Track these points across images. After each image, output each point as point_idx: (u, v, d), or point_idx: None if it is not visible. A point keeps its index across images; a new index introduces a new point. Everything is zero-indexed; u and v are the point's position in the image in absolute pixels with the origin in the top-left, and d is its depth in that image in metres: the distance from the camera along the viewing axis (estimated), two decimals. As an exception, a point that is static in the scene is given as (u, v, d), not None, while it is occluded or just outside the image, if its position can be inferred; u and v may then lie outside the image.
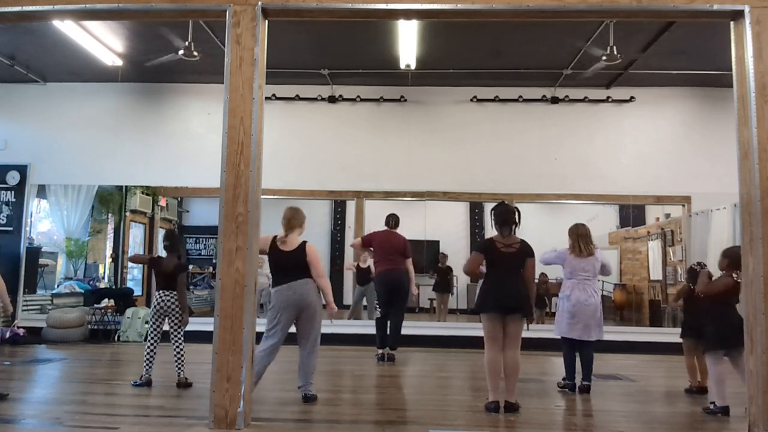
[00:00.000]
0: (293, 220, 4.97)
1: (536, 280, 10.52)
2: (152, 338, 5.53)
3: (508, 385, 4.60)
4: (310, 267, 4.88)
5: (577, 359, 5.60)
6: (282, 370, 6.74)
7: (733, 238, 8.32)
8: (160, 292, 5.52)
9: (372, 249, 7.41)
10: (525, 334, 8.46)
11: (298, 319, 4.90)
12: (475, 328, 8.07)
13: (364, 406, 4.97)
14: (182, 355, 5.51)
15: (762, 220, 3.89)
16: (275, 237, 4.94)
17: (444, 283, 10.34)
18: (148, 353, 5.50)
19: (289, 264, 4.87)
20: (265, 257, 5.01)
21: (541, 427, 4.33)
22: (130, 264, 10.56)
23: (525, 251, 4.72)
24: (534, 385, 5.82)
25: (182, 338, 5.58)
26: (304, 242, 4.94)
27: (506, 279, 4.64)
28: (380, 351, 7.22)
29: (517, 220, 4.78)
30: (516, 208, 4.85)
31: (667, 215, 10.78)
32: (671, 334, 8.75)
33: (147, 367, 5.49)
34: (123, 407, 4.69)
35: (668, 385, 6.15)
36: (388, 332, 7.27)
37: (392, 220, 7.35)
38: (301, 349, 4.96)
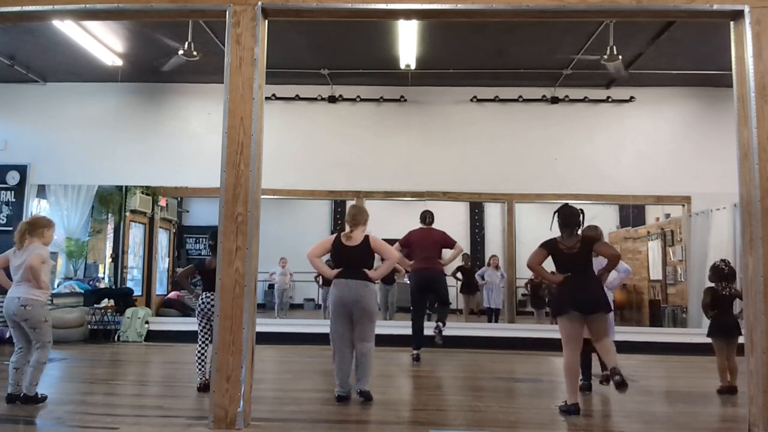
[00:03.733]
0: (358, 216, 5.05)
1: (537, 278, 10.47)
2: (201, 341, 5.33)
3: (606, 360, 4.54)
4: (380, 254, 4.96)
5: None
6: (282, 370, 6.77)
7: (733, 238, 8.32)
8: (204, 294, 5.41)
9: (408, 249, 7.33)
10: (532, 334, 8.45)
11: (353, 318, 4.90)
12: (476, 329, 8.10)
13: (364, 406, 4.97)
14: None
15: (762, 220, 3.89)
16: (339, 234, 5.04)
17: (470, 283, 10.29)
18: (198, 357, 5.31)
19: (353, 258, 4.92)
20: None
21: (541, 427, 4.34)
22: (128, 265, 10.56)
23: (587, 245, 4.65)
24: (534, 385, 5.82)
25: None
26: (367, 236, 5.00)
27: (579, 279, 4.59)
28: (415, 351, 7.14)
29: (580, 221, 4.73)
30: (580, 210, 4.76)
31: (667, 215, 10.78)
32: (671, 334, 8.78)
33: (200, 370, 5.28)
34: (123, 407, 4.69)
35: (668, 385, 6.16)
36: (424, 331, 7.22)
37: (428, 217, 7.29)
38: (356, 351, 4.95)
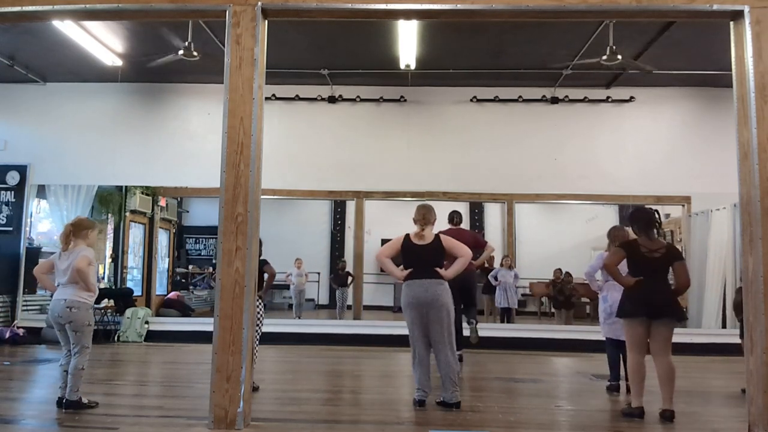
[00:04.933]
0: (428, 215, 4.95)
1: (561, 279, 10.41)
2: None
3: (664, 393, 4.38)
4: (453, 252, 4.83)
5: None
6: (282, 370, 6.77)
7: (733, 238, 8.32)
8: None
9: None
10: (532, 334, 8.42)
11: (430, 319, 4.73)
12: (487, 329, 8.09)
13: (364, 406, 4.97)
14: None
15: (762, 220, 3.89)
16: (407, 234, 4.92)
17: (488, 285, 10.23)
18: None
19: (425, 257, 4.80)
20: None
21: (541, 427, 4.34)
22: (130, 266, 10.57)
23: (672, 256, 4.51)
24: (534, 385, 5.82)
25: (257, 343, 5.22)
26: (438, 234, 4.93)
27: (653, 283, 4.43)
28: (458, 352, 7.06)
29: (659, 222, 4.60)
30: (655, 210, 4.65)
31: (667, 215, 10.77)
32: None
33: None
34: (122, 407, 4.69)
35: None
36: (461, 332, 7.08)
37: (456, 217, 7.19)
38: (435, 354, 4.76)
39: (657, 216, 4.64)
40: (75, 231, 4.69)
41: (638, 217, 4.66)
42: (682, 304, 9.34)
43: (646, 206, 4.79)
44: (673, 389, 4.38)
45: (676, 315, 4.48)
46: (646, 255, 4.47)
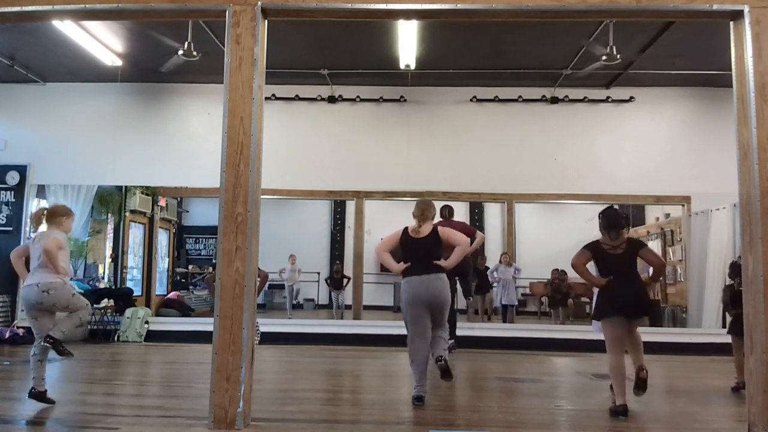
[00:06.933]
0: (427, 211, 4.99)
1: (557, 278, 10.40)
2: None
3: (634, 358, 4.62)
4: (450, 242, 4.86)
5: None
6: (282, 370, 6.77)
7: (733, 238, 8.32)
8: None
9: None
10: (532, 334, 8.44)
11: (428, 313, 4.83)
12: (476, 329, 8.12)
13: (364, 406, 4.97)
14: None
15: (762, 220, 3.89)
16: (406, 228, 4.95)
17: (484, 284, 10.23)
18: None
19: (423, 250, 4.83)
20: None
21: (541, 426, 4.34)
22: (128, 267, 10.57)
23: (633, 247, 4.61)
24: (534, 385, 5.83)
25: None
26: (435, 226, 4.96)
27: (625, 282, 4.51)
28: (451, 341, 7.10)
29: (625, 223, 4.72)
30: (626, 214, 4.81)
31: (667, 215, 10.78)
32: (671, 334, 8.78)
33: None
34: (122, 407, 4.69)
35: (667, 385, 6.15)
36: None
37: (446, 211, 7.27)
38: (432, 335, 4.93)
39: (625, 219, 4.76)
40: (49, 217, 4.67)
41: (604, 216, 4.74)
42: (679, 303, 9.39)
43: (617, 209, 4.91)
44: (642, 353, 4.60)
45: (649, 313, 4.68)
46: (610, 252, 4.57)
